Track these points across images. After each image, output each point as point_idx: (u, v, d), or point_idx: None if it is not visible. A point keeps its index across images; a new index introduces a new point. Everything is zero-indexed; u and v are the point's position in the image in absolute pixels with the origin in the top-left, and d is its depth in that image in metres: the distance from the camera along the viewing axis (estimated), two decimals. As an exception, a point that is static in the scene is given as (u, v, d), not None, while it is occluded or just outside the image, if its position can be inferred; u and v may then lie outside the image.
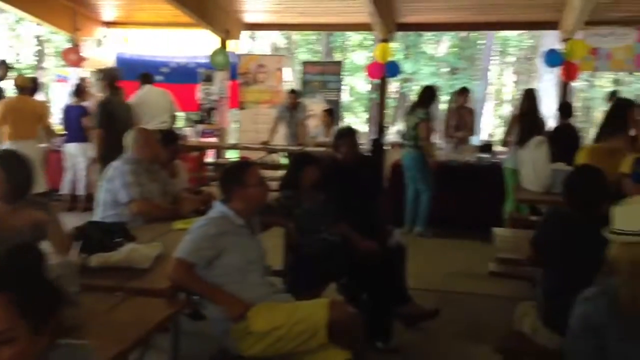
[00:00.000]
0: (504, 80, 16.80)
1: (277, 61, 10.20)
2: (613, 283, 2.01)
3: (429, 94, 6.72)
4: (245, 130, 9.69)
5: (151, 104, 7.44)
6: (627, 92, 12.49)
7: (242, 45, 9.78)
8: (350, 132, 4.73)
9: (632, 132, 4.75)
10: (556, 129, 6.68)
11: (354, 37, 17.75)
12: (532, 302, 3.00)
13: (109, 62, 9.44)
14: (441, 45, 18.79)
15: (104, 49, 9.84)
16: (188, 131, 9.28)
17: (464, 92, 7.87)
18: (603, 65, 8.79)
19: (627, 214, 1.99)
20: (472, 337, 3.73)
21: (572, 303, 2.11)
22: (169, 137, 4.35)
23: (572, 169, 3.57)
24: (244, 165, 3.02)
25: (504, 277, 3.96)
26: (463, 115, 7.80)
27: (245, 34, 9.60)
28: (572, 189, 3.11)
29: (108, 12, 9.70)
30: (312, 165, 3.77)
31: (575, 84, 9.00)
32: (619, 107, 4.97)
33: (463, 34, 17.25)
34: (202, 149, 8.91)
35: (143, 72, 7.85)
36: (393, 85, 15.62)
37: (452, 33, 17.01)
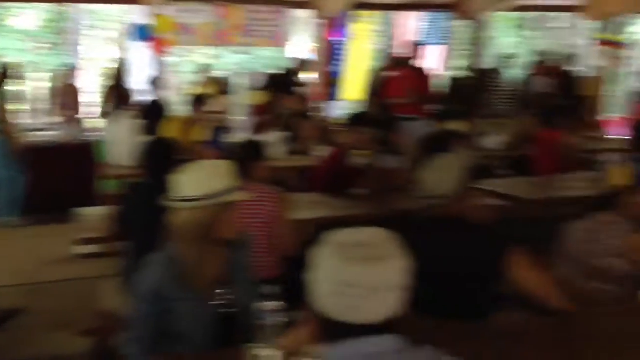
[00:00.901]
0: (103, 54, 16.52)
1: None
2: (175, 247, 2.07)
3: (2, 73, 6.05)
4: None
5: None
6: (220, 66, 13.44)
7: None
8: None
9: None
10: (148, 102, 6.79)
11: None
12: (116, 279, 2.97)
13: None
14: (31, 19, 17.29)
15: None
16: None
17: (67, 68, 7.67)
18: (191, 40, 9.26)
19: (189, 180, 2.04)
20: (61, 326, 3.50)
21: None
22: None
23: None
24: None
25: (93, 257, 3.83)
26: (69, 93, 7.54)
27: None
28: (146, 160, 3.17)
29: None
30: None
31: (170, 58, 9.26)
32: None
33: (59, 8, 16.17)
34: None
35: None
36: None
37: (44, 6, 15.78)
